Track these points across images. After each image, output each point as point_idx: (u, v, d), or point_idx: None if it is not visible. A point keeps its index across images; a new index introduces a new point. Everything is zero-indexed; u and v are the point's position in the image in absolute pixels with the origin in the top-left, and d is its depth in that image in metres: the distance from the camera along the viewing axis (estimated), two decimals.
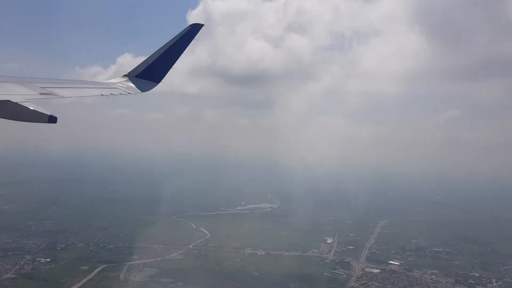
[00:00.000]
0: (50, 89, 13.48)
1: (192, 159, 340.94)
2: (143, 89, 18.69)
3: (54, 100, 13.58)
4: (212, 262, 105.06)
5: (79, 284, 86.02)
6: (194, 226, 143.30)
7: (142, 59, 19.86)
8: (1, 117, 10.84)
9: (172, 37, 19.07)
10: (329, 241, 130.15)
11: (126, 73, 19.28)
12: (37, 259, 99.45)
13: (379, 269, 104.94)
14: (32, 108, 10.62)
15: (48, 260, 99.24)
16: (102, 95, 15.93)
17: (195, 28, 19.04)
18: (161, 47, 18.97)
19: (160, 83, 19.59)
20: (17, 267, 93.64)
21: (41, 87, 13.28)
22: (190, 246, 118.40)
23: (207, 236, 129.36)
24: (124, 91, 17.36)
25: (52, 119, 10.46)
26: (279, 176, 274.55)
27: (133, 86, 18.44)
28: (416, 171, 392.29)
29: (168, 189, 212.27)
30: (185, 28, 19.06)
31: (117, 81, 18.54)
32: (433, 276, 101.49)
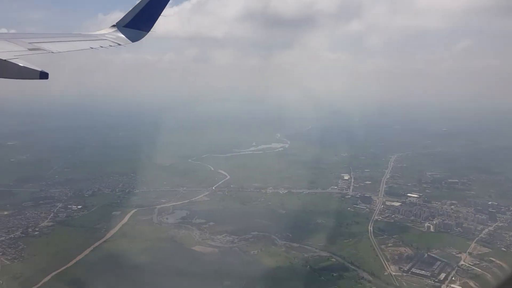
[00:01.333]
0: (38, 45, 13.24)
1: (202, 103, 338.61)
2: (133, 39, 18.26)
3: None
4: (238, 202, 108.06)
5: (116, 229, 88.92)
6: (212, 168, 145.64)
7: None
8: None
9: None
10: (346, 178, 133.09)
11: (115, 24, 18.66)
12: (69, 206, 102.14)
13: (399, 202, 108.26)
14: (22, 65, 10.38)
15: (79, 207, 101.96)
16: (92, 48, 15.68)
17: None
18: None
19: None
20: (51, 215, 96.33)
21: (29, 43, 13.04)
22: (213, 188, 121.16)
23: (227, 178, 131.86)
24: (114, 42, 17.03)
25: (43, 75, 10.22)
26: (285, 115, 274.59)
27: (123, 36, 17.98)
28: (422, 103, 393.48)
29: (178, 133, 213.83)
30: None
31: (106, 32, 18.12)
32: (453, 207, 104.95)
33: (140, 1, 18.00)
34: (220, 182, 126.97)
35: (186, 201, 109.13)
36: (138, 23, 18.33)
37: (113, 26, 18.39)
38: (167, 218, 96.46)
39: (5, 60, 10.43)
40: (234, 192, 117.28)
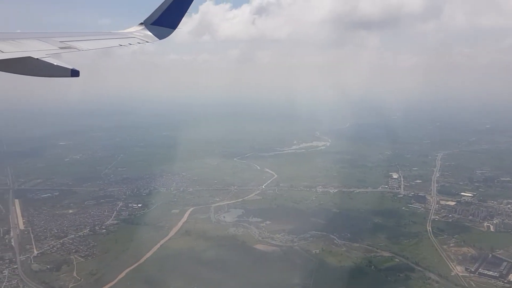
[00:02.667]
0: (69, 43, 13.52)
1: (244, 102, 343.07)
2: (160, 36, 18.82)
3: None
4: (290, 201, 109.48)
5: (177, 227, 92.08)
6: (258, 167, 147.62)
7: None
8: (24, 74, 10.87)
9: None
10: (395, 176, 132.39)
11: (142, 22, 19.29)
12: (130, 205, 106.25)
13: (454, 201, 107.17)
14: (54, 63, 10.63)
15: (139, 205, 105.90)
16: (121, 45, 16.19)
17: None
18: None
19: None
20: (115, 213, 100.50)
21: (60, 41, 13.36)
22: (263, 187, 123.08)
23: (275, 177, 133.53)
24: (142, 39, 17.54)
25: (74, 73, 10.42)
26: (323, 113, 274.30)
27: (150, 34, 18.53)
28: (461, 97, 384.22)
29: (220, 132, 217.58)
30: None
31: (134, 30, 18.69)
32: (510, 206, 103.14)
33: (166, 0, 18.67)
34: (268, 181, 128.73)
35: (239, 200, 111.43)
36: (164, 21, 18.92)
37: (141, 24, 19.08)
38: (224, 217, 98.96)
39: (37, 58, 10.68)
40: (285, 191, 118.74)
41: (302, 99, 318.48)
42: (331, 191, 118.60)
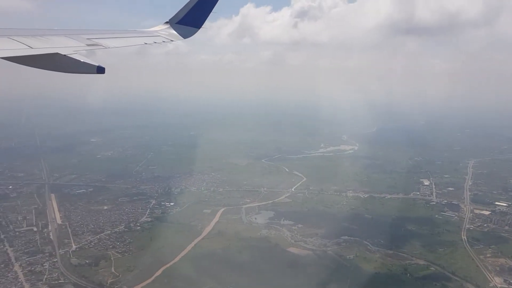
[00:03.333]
0: (96, 40, 13.72)
1: (273, 104, 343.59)
2: (185, 35, 18.92)
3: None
4: (321, 205, 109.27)
5: (210, 227, 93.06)
6: (287, 170, 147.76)
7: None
8: (51, 70, 11.06)
9: None
10: (426, 183, 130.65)
11: (167, 21, 19.39)
12: (162, 203, 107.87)
13: (489, 211, 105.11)
14: (80, 60, 10.82)
15: (172, 204, 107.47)
16: (146, 43, 16.36)
17: None
18: None
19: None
20: (148, 211, 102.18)
21: (87, 39, 13.55)
22: (293, 189, 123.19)
23: (304, 180, 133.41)
24: (167, 38, 17.63)
25: (100, 70, 10.61)
26: (350, 116, 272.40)
27: (175, 33, 18.63)
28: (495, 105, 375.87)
29: (247, 133, 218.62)
30: None
31: (159, 29, 18.81)
32: None
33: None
34: (298, 184, 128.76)
35: (270, 202, 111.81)
36: (189, 20, 19.09)
37: (166, 23, 19.25)
38: (255, 218, 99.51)
39: (64, 55, 10.94)
40: (315, 194, 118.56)
41: (330, 102, 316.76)
42: (362, 196, 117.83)
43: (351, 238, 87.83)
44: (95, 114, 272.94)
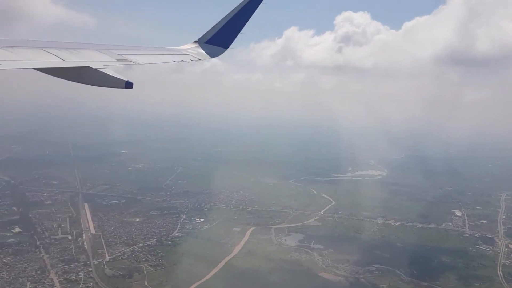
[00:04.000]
0: (126, 56, 13.91)
1: (305, 125, 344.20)
2: (212, 54, 19.00)
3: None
4: (351, 231, 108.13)
5: (240, 246, 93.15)
6: (315, 192, 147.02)
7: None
8: (81, 82, 11.31)
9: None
10: (458, 214, 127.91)
11: (196, 40, 19.47)
12: (192, 218, 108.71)
13: None
14: (110, 74, 11.10)
15: (202, 220, 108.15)
16: (174, 61, 16.47)
17: None
18: (230, 12, 18.80)
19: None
20: (179, 225, 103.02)
21: (118, 54, 13.77)
22: (322, 213, 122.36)
23: (333, 203, 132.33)
24: (195, 57, 17.74)
25: (128, 85, 10.88)
26: (378, 142, 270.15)
27: (203, 52, 18.73)
28: None
29: (274, 152, 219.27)
30: None
31: (188, 47, 18.88)
32: None
33: (221, 20, 18.92)
34: (326, 207, 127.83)
35: (299, 224, 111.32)
36: (218, 40, 19.23)
37: (195, 42, 19.42)
38: (285, 240, 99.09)
39: (95, 69, 11.27)
40: (344, 219, 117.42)
41: (360, 126, 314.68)
42: (393, 223, 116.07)
43: (383, 266, 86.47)
44: (126, 126, 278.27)
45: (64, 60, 11.21)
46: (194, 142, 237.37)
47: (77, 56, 12.02)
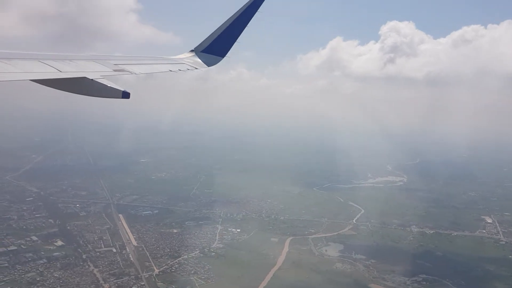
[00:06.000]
0: (122, 66, 14.02)
1: (320, 131, 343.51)
2: (209, 63, 19.19)
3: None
4: (388, 240, 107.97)
5: (283, 257, 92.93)
6: (341, 200, 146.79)
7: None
8: (79, 93, 11.41)
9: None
10: (489, 221, 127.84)
11: (193, 49, 19.65)
12: (229, 229, 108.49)
13: None
14: (107, 85, 11.19)
15: (238, 230, 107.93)
16: (171, 70, 16.56)
17: (258, 1, 18.82)
18: (226, 21, 18.98)
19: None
20: (218, 236, 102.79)
21: (115, 64, 13.89)
22: (354, 221, 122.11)
23: (362, 212, 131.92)
24: (191, 66, 17.87)
25: (125, 95, 10.98)
26: (392, 147, 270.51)
27: (200, 61, 18.93)
28: None
29: (291, 159, 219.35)
30: (248, 1, 18.78)
31: (185, 56, 19.07)
32: None
33: (218, 28, 19.16)
34: (357, 216, 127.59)
35: (334, 233, 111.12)
36: (214, 49, 19.46)
37: (192, 51, 19.60)
38: (325, 250, 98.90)
39: (92, 79, 11.34)
40: (378, 228, 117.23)
41: (374, 132, 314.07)
42: (427, 232, 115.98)
43: (430, 276, 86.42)
44: (138, 134, 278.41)
45: (60, 71, 11.26)
46: (209, 150, 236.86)
47: (74, 67, 12.07)
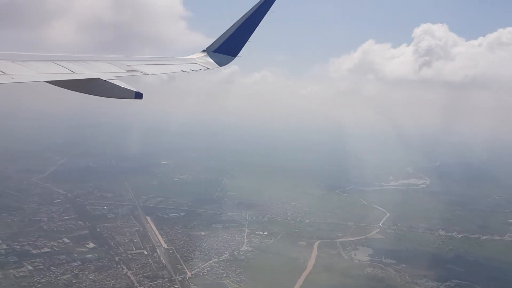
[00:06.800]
0: (135, 67, 14.00)
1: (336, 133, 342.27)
2: (221, 63, 19.04)
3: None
4: (417, 244, 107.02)
5: (312, 261, 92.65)
6: (365, 203, 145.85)
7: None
8: (92, 94, 11.35)
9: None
10: None
11: (205, 49, 19.46)
12: (256, 232, 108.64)
13: None
14: (120, 85, 11.15)
15: (266, 233, 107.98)
16: (183, 71, 16.41)
17: (270, 0, 18.60)
18: (237, 21, 18.75)
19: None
20: (245, 239, 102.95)
21: (127, 65, 13.84)
22: (380, 225, 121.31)
23: (388, 215, 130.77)
24: (203, 66, 17.73)
25: (138, 95, 10.90)
26: (411, 149, 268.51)
27: (212, 61, 18.77)
28: None
29: (311, 161, 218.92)
30: (260, 0, 18.53)
31: (197, 56, 18.91)
32: None
33: (229, 28, 18.98)
34: (383, 219, 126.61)
35: (362, 237, 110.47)
36: (226, 49, 19.31)
37: (203, 51, 19.47)
38: (355, 254, 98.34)
39: (105, 80, 11.38)
40: (406, 232, 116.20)
41: (393, 134, 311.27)
42: (456, 236, 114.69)
43: (463, 282, 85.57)
44: (156, 135, 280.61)
45: (74, 72, 11.36)
46: (227, 152, 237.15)
47: (87, 68, 12.15)
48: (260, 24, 19.00)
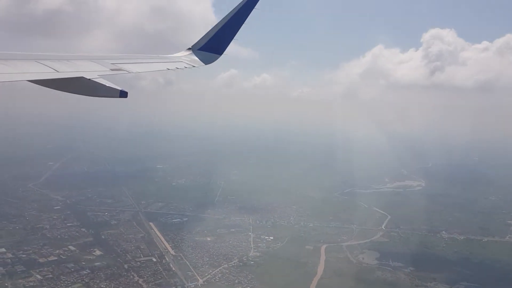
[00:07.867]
0: (119, 65, 13.93)
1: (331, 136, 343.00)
2: (206, 61, 19.16)
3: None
4: (421, 246, 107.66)
5: (322, 266, 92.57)
6: (365, 205, 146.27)
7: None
8: (76, 93, 11.33)
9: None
10: None
11: (190, 47, 19.60)
12: (261, 237, 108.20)
13: None
14: (105, 84, 11.12)
15: (271, 238, 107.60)
16: (168, 69, 16.55)
17: None
18: (222, 19, 18.94)
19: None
20: (252, 244, 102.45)
21: (111, 63, 13.79)
22: (383, 228, 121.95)
23: (389, 218, 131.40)
24: (189, 64, 17.85)
25: (123, 94, 10.85)
26: (402, 151, 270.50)
27: (197, 59, 18.88)
28: None
29: (304, 164, 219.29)
30: None
31: (182, 54, 19.01)
32: None
33: (214, 26, 19.13)
34: (385, 222, 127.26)
35: (367, 240, 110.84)
36: (211, 47, 19.36)
37: (189, 49, 19.50)
38: (362, 258, 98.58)
39: (89, 79, 11.24)
40: (409, 234, 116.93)
41: (383, 136, 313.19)
42: (458, 238, 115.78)
43: (472, 284, 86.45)
44: (148, 139, 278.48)
45: (57, 71, 11.21)
46: (223, 155, 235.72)
47: (71, 67, 12.01)
48: (246, 21, 18.83)
